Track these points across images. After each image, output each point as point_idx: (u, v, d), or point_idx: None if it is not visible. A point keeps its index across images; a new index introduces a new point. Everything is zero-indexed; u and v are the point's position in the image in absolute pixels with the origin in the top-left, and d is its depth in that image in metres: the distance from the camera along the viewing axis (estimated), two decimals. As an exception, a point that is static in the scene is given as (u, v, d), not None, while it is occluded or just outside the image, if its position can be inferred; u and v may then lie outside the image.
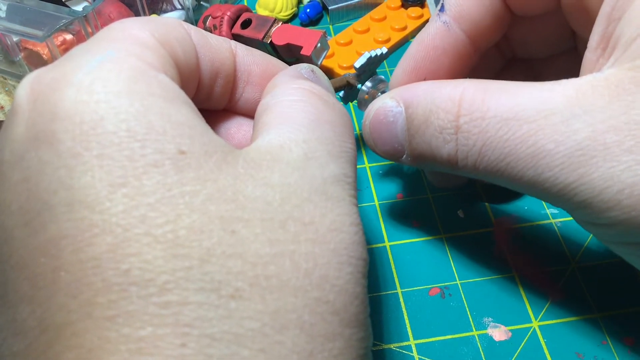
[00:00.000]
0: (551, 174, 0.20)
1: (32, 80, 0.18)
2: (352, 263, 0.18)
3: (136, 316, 0.14)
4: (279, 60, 0.26)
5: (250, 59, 0.25)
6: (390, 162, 0.35)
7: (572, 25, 0.26)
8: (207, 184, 0.16)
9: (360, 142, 0.36)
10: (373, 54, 0.31)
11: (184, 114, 0.18)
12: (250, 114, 0.26)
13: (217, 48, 0.23)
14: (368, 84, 0.30)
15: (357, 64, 0.30)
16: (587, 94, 0.20)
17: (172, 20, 0.21)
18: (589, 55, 0.22)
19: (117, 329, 0.14)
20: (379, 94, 0.30)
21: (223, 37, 0.24)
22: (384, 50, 0.32)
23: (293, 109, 0.21)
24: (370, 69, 0.32)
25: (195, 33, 0.22)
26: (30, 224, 0.16)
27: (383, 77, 0.31)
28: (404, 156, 0.25)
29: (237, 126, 0.26)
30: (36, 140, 0.17)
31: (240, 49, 0.24)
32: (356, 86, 0.31)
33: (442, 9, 0.27)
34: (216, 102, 0.25)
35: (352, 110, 0.38)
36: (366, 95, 0.31)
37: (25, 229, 0.16)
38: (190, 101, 0.19)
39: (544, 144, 0.20)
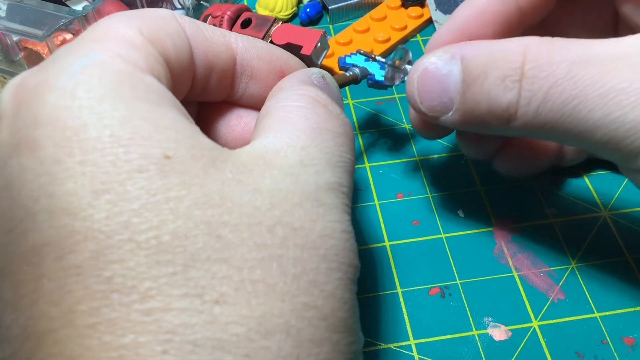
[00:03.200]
0: (621, 113, 0.20)
1: (17, 85, 0.18)
2: (341, 269, 0.18)
3: (118, 324, 0.14)
4: (285, 52, 0.25)
5: (253, 53, 0.24)
6: (390, 162, 0.35)
7: (620, 7, 0.26)
8: (192, 189, 0.16)
9: (361, 143, 0.36)
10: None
11: (171, 117, 0.17)
12: (256, 108, 0.25)
13: (212, 41, 0.22)
14: (392, 56, 0.30)
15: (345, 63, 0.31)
16: None
17: (164, 13, 0.21)
18: None
19: (98, 337, 0.14)
20: (406, 65, 0.30)
21: (221, 30, 0.23)
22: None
23: (295, 114, 0.20)
24: (359, 61, 0.32)
25: (190, 25, 0.22)
26: (12, 232, 0.16)
27: (407, 48, 0.31)
28: (451, 112, 0.25)
29: (237, 118, 0.25)
30: (18, 147, 0.16)
31: (242, 42, 0.24)
32: (359, 79, 0.31)
33: None
34: (213, 95, 0.24)
35: (353, 116, 0.38)
36: (397, 61, 0.30)
37: (8, 236, 0.16)
38: (178, 103, 0.19)
39: (616, 83, 0.20)
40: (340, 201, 0.19)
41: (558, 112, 0.21)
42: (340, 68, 0.32)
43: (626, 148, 0.21)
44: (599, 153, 0.22)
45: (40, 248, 0.15)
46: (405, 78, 0.29)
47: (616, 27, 0.28)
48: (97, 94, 0.16)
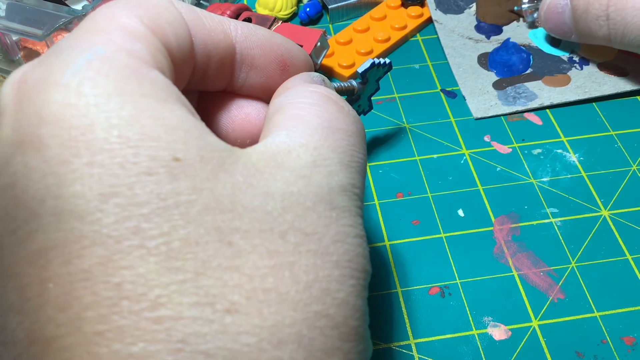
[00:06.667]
0: None
1: (18, 80, 0.17)
2: (354, 276, 0.17)
3: (127, 332, 0.14)
4: (286, 40, 0.25)
5: (254, 42, 0.23)
6: (390, 161, 0.35)
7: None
8: (203, 193, 0.16)
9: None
10: (377, 61, 0.31)
11: (178, 115, 0.17)
12: (257, 98, 0.25)
13: (210, 29, 0.21)
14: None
15: (361, 69, 0.30)
16: None
17: (161, 0, 0.20)
18: None
19: (107, 345, 0.14)
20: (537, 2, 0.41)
21: (219, 17, 0.22)
22: (387, 60, 0.32)
23: (307, 112, 0.20)
24: (372, 77, 0.32)
25: (187, 12, 0.21)
26: (17, 233, 0.15)
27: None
28: (573, 35, 0.38)
29: (237, 108, 0.25)
30: (22, 145, 0.16)
31: (242, 30, 0.23)
32: (357, 93, 0.31)
33: None
34: (211, 84, 0.23)
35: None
36: (529, 11, 0.42)
37: (13, 237, 0.15)
38: (183, 98, 0.18)
39: None
40: (353, 203, 0.19)
41: (636, 39, 0.34)
42: (359, 74, 0.31)
43: None
44: None
45: (46, 251, 0.15)
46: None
47: None
48: (104, 90, 0.16)
